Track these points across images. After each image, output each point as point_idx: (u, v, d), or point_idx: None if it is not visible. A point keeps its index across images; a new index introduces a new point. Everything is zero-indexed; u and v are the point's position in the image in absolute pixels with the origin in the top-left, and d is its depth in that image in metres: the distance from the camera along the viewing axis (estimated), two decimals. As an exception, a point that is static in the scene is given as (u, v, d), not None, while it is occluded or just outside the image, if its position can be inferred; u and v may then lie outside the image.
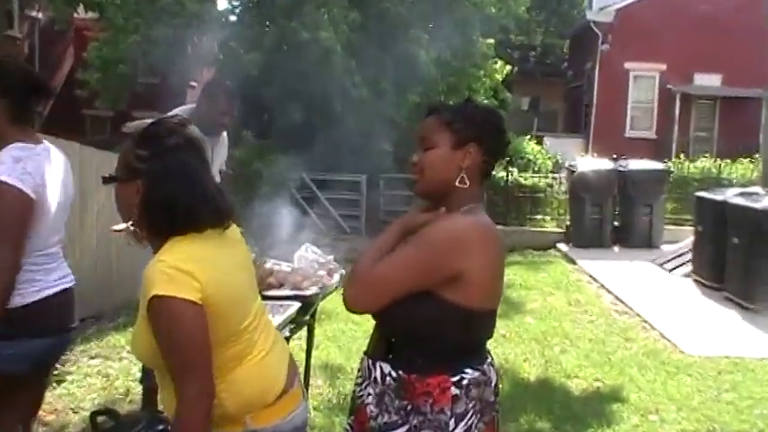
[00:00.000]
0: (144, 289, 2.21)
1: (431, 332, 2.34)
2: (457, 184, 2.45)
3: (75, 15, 24.10)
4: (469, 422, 2.35)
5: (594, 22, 26.68)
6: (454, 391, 2.33)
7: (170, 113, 4.92)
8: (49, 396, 5.88)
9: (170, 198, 2.31)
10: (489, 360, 2.49)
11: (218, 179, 5.05)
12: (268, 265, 4.53)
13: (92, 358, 6.91)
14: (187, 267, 2.22)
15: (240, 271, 2.47)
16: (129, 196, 2.36)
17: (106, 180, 2.44)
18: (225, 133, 5.29)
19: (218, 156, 5.14)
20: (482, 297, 2.38)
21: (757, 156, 15.94)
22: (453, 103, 2.70)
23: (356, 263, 2.41)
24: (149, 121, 4.58)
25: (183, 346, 2.19)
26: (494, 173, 15.52)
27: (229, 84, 5.81)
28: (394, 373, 2.39)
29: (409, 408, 2.35)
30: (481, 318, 2.41)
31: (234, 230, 2.56)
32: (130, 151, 2.38)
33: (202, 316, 2.21)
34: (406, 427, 2.36)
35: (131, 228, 2.38)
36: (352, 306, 2.39)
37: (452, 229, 2.37)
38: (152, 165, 2.34)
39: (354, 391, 2.54)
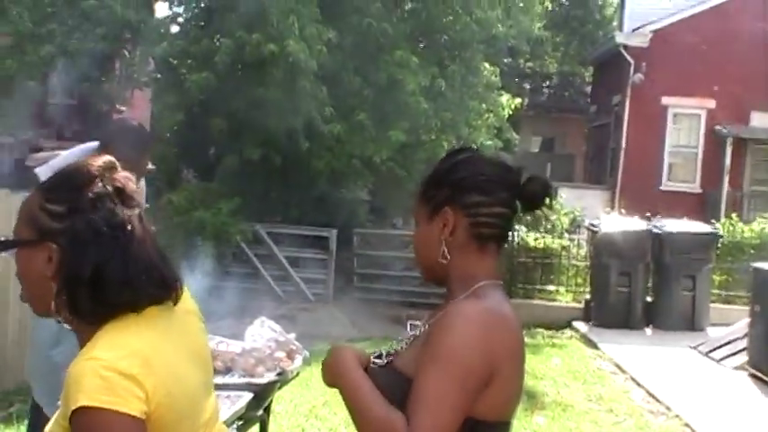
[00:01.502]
0: (67, 392, 2.05)
1: None
2: (441, 260, 2.47)
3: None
4: None
5: (625, 46, 26.69)
6: None
7: (73, 150, 4.89)
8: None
9: (97, 269, 2.15)
10: None
11: None
12: (212, 343, 4.47)
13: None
14: (131, 371, 2.05)
15: (194, 365, 2.32)
16: (36, 265, 2.21)
17: (2, 245, 2.31)
18: (143, 181, 5.10)
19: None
20: (506, 406, 2.47)
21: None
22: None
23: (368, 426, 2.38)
24: (59, 157, 4.54)
25: None
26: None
27: (144, 130, 5.78)
28: None
29: None
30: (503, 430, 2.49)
31: (184, 301, 2.41)
32: (39, 205, 2.26)
33: None
34: None
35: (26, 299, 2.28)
36: None
37: (472, 328, 2.36)
38: (71, 224, 2.19)
39: None
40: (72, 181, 2.26)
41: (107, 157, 2.35)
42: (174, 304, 2.30)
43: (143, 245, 2.23)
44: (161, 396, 2.09)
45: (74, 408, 2.00)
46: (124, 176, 2.34)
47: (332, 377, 2.51)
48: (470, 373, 2.30)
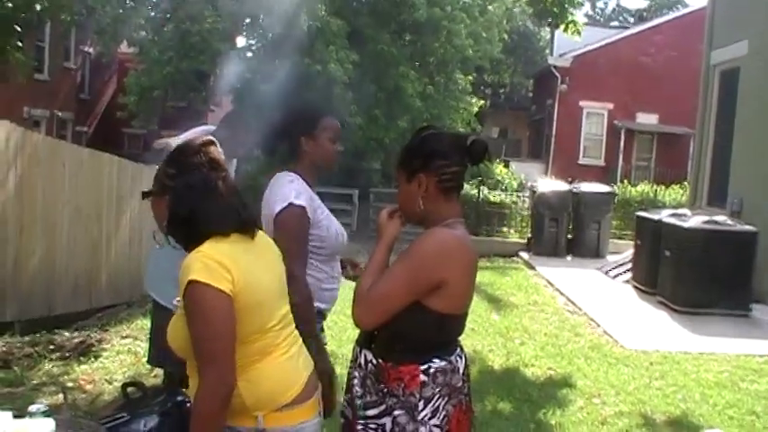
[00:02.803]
0: (182, 276, 2.14)
1: (409, 331, 2.35)
2: (417, 210, 2.45)
3: (119, 50, 24.34)
4: (436, 404, 2.35)
5: (555, 66, 26.75)
6: (422, 377, 2.34)
7: (190, 131, 4.88)
8: (87, 368, 5.90)
9: (190, 212, 2.22)
10: (458, 351, 2.48)
11: None
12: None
13: (123, 338, 6.90)
14: (222, 261, 2.13)
15: (268, 275, 2.33)
16: (161, 209, 2.31)
17: (144, 195, 2.39)
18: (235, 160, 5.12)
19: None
20: (457, 304, 2.41)
21: (686, 182, 16.04)
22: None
23: (358, 284, 2.41)
24: (176, 138, 4.55)
25: (210, 333, 2.09)
26: (467, 191, 15.76)
27: (247, 118, 5.71)
28: (374, 361, 2.41)
29: (385, 390, 2.37)
30: (454, 321, 2.44)
31: (262, 237, 2.42)
32: (163, 169, 2.34)
33: (231, 308, 2.11)
34: (383, 407, 2.38)
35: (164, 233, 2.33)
36: (360, 325, 2.43)
37: (434, 243, 2.38)
38: (178, 182, 2.29)
39: (348, 373, 2.54)
40: (181, 152, 2.34)
41: (208, 137, 2.43)
42: (252, 238, 2.32)
43: (224, 198, 2.27)
44: (243, 283, 2.14)
45: (185, 282, 2.10)
46: (216, 150, 2.39)
47: (378, 229, 2.56)
48: (423, 273, 2.31)
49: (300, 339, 2.45)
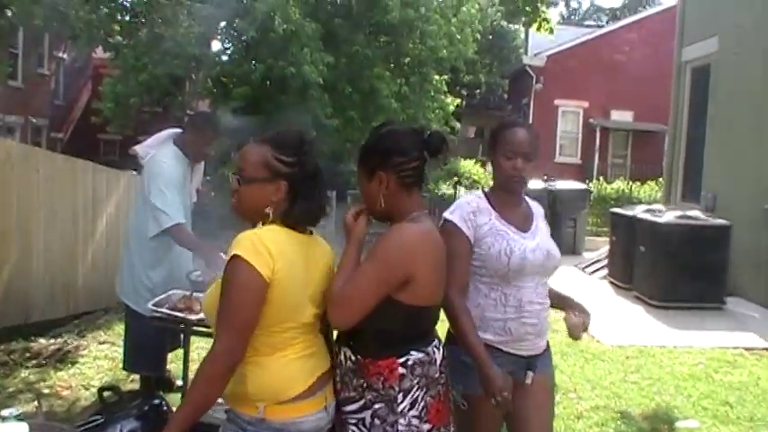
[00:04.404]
0: (232, 246, 2.21)
1: (383, 326, 2.38)
2: (379, 207, 2.48)
3: (94, 55, 24.21)
4: (415, 395, 2.39)
5: (530, 65, 26.83)
6: (401, 370, 2.38)
7: (157, 135, 4.85)
8: (63, 374, 5.87)
9: (310, 197, 2.36)
10: (435, 343, 2.51)
11: (194, 197, 4.99)
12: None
13: (100, 344, 6.87)
14: (270, 247, 2.21)
15: (308, 277, 2.36)
16: (266, 193, 2.33)
17: (244, 181, 2.36)
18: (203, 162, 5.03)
19: (196, 176, 4.95)
20: (428, 295, 2.44)
21: (661, 179, 16.21)
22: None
23: (331, 285, 2.41)
24: (141, 145, 4.48)
25: (235, 305, 2.17)
26: (444, 191, 15.77)
27: (213, 118, 5.67)
28: (353, 357, 2.43)
29: (365, 385, 2.39)
30: (426, 312, 2.47)
31: (318, 240, 2.51)
32: (272, 155, 2.34)
33: (263, 291, 2.18)
34: (362, 402, 2.40)
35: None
36: (337, 326, 2.47)
37: (399, 239, 2.41)
38: (298, 169, 2.35)
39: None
40: (297, 141, 2.37)
41: (309, 133, 2.48)
42: (309, 234, 2.44)
43: (324, 188, 2.43)
44: (282, 276, 2.22)
45: (232, 254, 2.18)
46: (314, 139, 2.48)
47: (345, 230, 2.57)
48: (390, 270, 2.35)
49: (320, 345, 2.48)
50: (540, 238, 3.03)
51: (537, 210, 3.21)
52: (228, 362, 2.16)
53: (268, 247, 2.20)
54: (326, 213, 2.45)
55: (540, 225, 3.12)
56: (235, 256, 2.17)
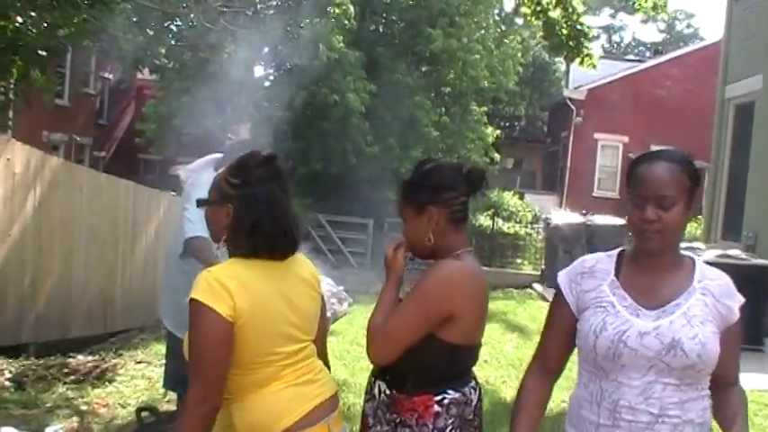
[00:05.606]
0: (191, 290, 2.13)
1: (422, 362, 2.33)
2: (427, 243, 2.41)
3: (139, 76, 24.60)
4: None
5: (570, 98, 26.77)
6: (436, 408, 2.32)
7: (200, 160, 4.85)
8: (101, 392, 5.92)
9: (255, 224, 2.21)
10: (472, 384, 2.45)
11: None
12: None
13: (137, 363, 6.93)
14: (228, 284, 2.10)
15: (284, 306, 2.25)
16: (219, 218, 2.28)
17: (200, 203, 2.38)
18: None
19: None
20: (469, 334, 2.39)
21: (700, 216, 16.02)
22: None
23: (371, 320, 2.38)
24: (185, 167, 4.47)
25: (200, 351, 2.08)
26: (482, 222, 15.76)
27: (251, 145, 5.68)
28: (388, 391, 2.40)
29: (398, 420, 2.36)
30: (467, 351, 2.43)
31: (301, 267, 2.40)
32: (224, 178, 2.31)
33: (227, 332, 2.08)
34: None
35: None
36: (376, 362, 2.42)
37: (442, 277, 2.37)
38: (242, 192, 2.25)
39: (363, 404, 2.53)
40: (247, 163, 2.32)
41: (270, 151, 2.40)
42: (282, 260, 2.29)
43: (286, 213, 2.28)
44: (247, 311, 2.11)
45: (193, 298, 2.09)
46: (281, 163, 2.36)
47: (386, 266, 2.50)
48: (433, 306, 2.30)
49: (318, 370, 2.38)
50: (669, 320, 2.09)
51: (704, 285, 2.25)
52: (203, 408, 2.07)
53: (225, 285, 2.10)
54: (296, 240, 2.31)
55: (691, 304, 2.15)
56: (192, 301, 2.09)
